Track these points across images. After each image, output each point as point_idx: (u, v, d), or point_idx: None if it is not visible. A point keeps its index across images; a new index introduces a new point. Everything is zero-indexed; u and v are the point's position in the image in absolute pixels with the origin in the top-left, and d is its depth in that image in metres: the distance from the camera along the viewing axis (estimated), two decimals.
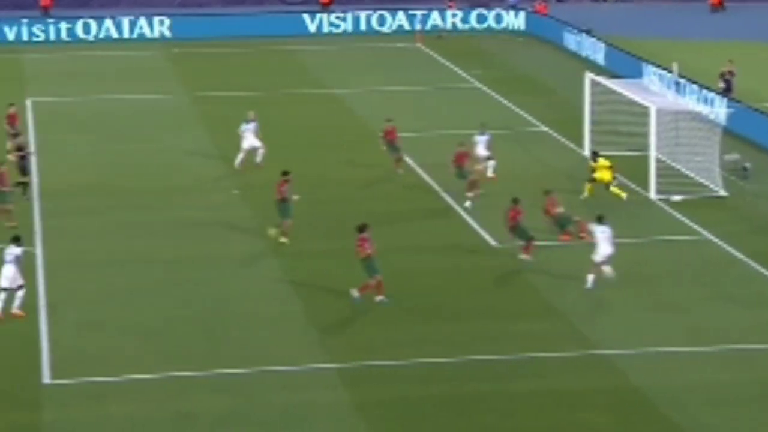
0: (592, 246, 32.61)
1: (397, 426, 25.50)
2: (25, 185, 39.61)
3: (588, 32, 63.17)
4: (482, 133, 42.02)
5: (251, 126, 42.74)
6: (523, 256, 34.12)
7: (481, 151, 41.64)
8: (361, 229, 31.38)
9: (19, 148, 40.41)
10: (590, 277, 32.11)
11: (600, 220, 32.55)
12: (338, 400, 26.48)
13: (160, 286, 32.79)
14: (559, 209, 35.57)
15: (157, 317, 30.79)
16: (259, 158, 42.54)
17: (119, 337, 29.68)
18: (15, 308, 30.42)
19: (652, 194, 39.82)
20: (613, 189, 39.36)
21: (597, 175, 39.61)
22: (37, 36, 67.32)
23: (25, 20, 67.71)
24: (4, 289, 30.34)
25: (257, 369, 27.82)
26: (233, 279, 33.30)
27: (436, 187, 41.15)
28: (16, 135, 44.07)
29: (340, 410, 26.01)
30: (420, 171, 42.65)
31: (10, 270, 30.34)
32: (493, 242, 35.88)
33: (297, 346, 29.09)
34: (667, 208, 39.09)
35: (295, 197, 36.05)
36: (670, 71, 50.88)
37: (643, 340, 29.37)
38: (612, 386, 27.07)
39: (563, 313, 30.93)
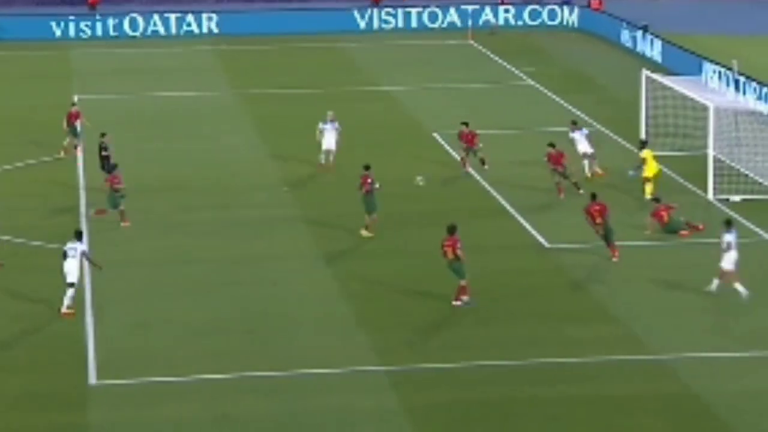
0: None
1: (444, 430, 25.44)
2: None
3: (644, 28, 62.81)
4: (574, 129, 41.79)
5: (329, 126, 42.51)
6: (615, 259, 34.03)
7: (584, 147, 41.34)
8: (452, 230, 31.07)
9: (103, 148, 40.51)
10: (715, 282, 31.40)
11: (728, 225, 32.11)
12: (385, 403, 26.46)
13: (208, 285, 32.92)
14: (670, 215, 35.77)
15: (204, 318, 30.91)
16: (330, 159, 42.26)
17: (165, 337, 29.83)
18: (63, 308, 30.68)
19: (710, 195, 39.53)
20: (649, 187, 39.14)
21: (647, 173, 39.43)
22: (84, 32, 67.85)
23: (72, 16, 68.27)
24: (70, 285, 30.55)
25: (304, 371, 27.87)
26: (281, 279, 33.37)
27: (488, 186, 41.09)
28: (75, 134, 44.46)
29: (387, 414, 25.99)
30: (472, 170, 42.58)
31: (69, 265, 30.50)
32: (546, 243, 35.77)
33: (345, 348, 29.10)
34: (726, 209, 38.78)
35: (377, 186, 36.20)
36: (730, 69, 50.48)
37: (700, 344, 29.14)
38: (669, 391, 26.88)
39: (618, 316, 30.76)
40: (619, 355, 28.58)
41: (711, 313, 30.98)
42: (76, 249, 30.71)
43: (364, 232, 35.98)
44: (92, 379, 27.64)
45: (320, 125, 42.65)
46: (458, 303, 31.02)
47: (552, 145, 39.88)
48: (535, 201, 39.31)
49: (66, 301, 30.69)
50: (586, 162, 41.44)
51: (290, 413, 26.07)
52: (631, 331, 29.89)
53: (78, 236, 31.25)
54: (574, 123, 42.63)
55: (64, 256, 30.74)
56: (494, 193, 40.40)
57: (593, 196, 34.66)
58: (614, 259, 34.13)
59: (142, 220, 37.99)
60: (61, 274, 30.76)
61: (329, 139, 42.37)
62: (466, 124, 42.50)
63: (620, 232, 35.36)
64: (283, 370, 27.92)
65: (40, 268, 33.98)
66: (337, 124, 42.61)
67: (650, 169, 39.32)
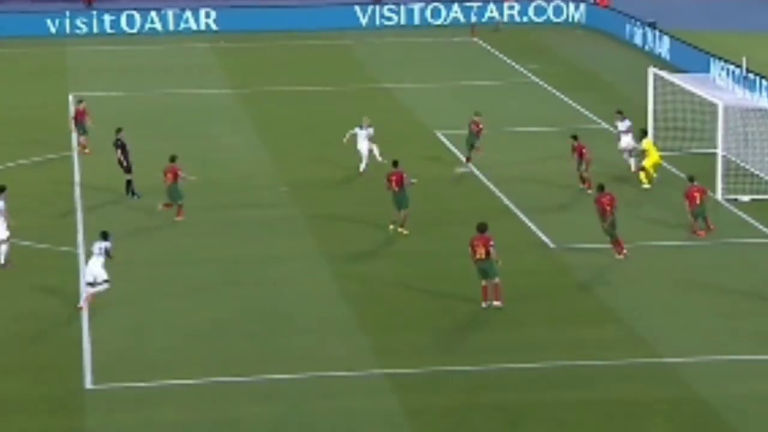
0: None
1: None
2: (128, 183, 39.95)
3: (652, 25, 62.86)
4: (619, 119, 42.02)
5: (363, 132, 42.23)
6: (620, 257, 34.17)
7: (626, 141, 41.53)
8: (483, 228, 31.05)
9: (119, 145, 40.31)
10: None
11: None
12: (387, 407, 26.51)
13: (207, 287, 32.98)
14: (703, 199, 35.76)
15: (203, 320, 30.96)
16: (362, 167, 41.96)
17: (163, 340, 29.88)
18: (81, 301, 31.12)
19: (719, 195, 39.57)
20: (643, 175, 40.15)
21: (648, 162, 40.03)
22: (80, 28, 67.92)
23: (67, 12, 68.34)
24: (89, 284, 31.02)
25: (304, 375, 27.92)
26: (281, 279, 33.44)
27: (491, 186, 41.15)
28: (84, 132, 44.48)
29: (388, 418, 26.04)
30: (474, 168, 42.65)
31: (95, 264, 30.96)
32: (551, 243, 35.82)
33: (345, 351, 29.16)
34: (734, 209, 38.84)
35: (414, 180, 36.52)
36: (740, 66, 50.51)
37: (707, 347, 29.19)
38: (674, 396, 26.92)
39: (623, 318, 30.80)
40: (625, 358, 28.62)
41: (719, 316, 31.00)
42: (101, 248, 31.16)
43: (401, 230, 36.28)
44: (89, 382, 27.67)
45: (355, 129, 42.24)
46: (498, 304, 30.99)
47: (575, 137, 40.12)
48: (540, 200, 39.36)
49: (83, 295, 31.07)
50: (626, 155, 41.58)
51: (290, 416, 26.13)
52: (637, 333, 29.93)
53: (103, 236, 31.56)
54: (620, 112, 42.68)
55: (89, 254, 31.27)
56: (498, 193, 40.46)
57: (601, 188, 34.77)
58: (620, 257, 34.17)
59: (138, 221, 38.03)
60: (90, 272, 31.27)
61: (362, 145, 42.12)
62: (478, 113, 42.41)
63: (626, 231, 35.47)
64: (284, 372, 27.98)
65: (34, 270, 34.05)
66: (370, 131, 42.32)
67: (651, 158, 39.83)
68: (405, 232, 36.40)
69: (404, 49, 64.16)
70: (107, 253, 31.19)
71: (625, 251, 34.33)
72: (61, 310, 31.40)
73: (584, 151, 39.73)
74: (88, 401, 26.85)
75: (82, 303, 31.02)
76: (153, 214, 38.34)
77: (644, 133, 41.09)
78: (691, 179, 36.75)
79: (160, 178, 37.83)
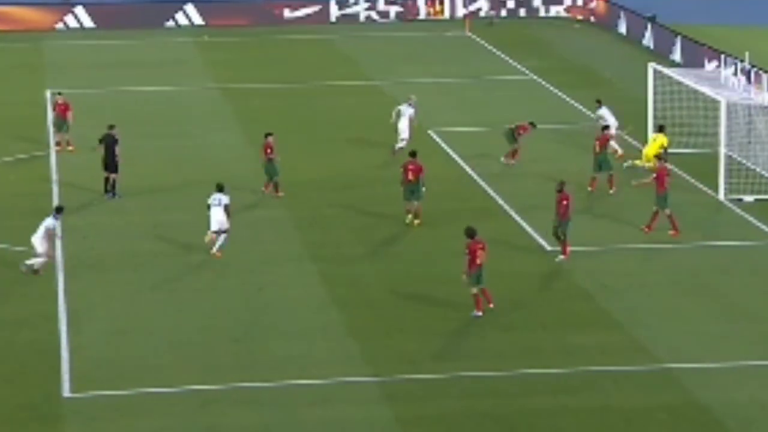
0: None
1: None
2: (109, 182, 39.80)
3: (652, 19, 62.95)
4: (600, 107, 43.34)
5: (410, 109, 42.99)
6: (562, 257, 34.24)
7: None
8: (473, 233, 31.05)
9: (110, 142, 40.12)
10: None
11: None
12: (377, 415, 26.56)
13: (190, 291, 32.97)
14: (669, 184, 36.03)
15: (186, 326, 30.96)
16: (399, 145, 42.66)
17: (145, 346, 29.87)
18: (215, 250, 34.21)
19: (722, 195, 39.65)
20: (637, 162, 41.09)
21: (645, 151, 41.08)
22: (59, 22, 67.78)
23: (45, 6, 68.21)
24: (215, 232, 34.44)
25: (292, 382, 27.95)
26: (268, 284, 33.44)
27: (486, 186, 41.19)
28: (62, 128, 44.35)
29: (379, 426, 26.08)
30: (468, 168, 42.67)
31: (216, 215, 34.28)
32: (546, 246, 35.86)
33: (334, 357, 29.18)
34: (738, 209, 38.91)
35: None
36: (742, 61, 50.56)
37: (709, 352, 29.26)
38: (675, 402, 26.99)
39: (622, 323, 30.86)
40: (624, 363, 28.68)
41: (721, 320, 31.09)
42: (219, 200, 34.43)
43: (413, 221, 36.86)
44: (67, 390, 27.66)
45: (401, 106, 43.10)
46: (491, 305, 31.09)
47: (607, 127, 40.47)
48: (536, 201, 39.37)
49: (218, 243, 34.29)
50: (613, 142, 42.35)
51: (278, 425, 26.16)
52: (635, 338, 29.99)
53: (220, 188, 34.66)
54: (598, 101, 43.40)
55: (209, 207, 34.41)
56: (492, 193, 40.49)
57: (561, 185, 34.68)
58: (564, 257, 34.25)
59: (120, 221, 38.02)
60: (208, 223, 34.31)
61: (403, 123, 42.84)
62: (533, 124, 42.94)
63: (626, 233, 35.47)
64: (271, 380, 27.99)
65: (10, 273, 33.99)
66: (414, 109, 43.03)
67: (649, 150, 40.81)
68: (417, 221, 36.75)
69: (396, 44, 64.08)
70: (226, 208, 33.92)
71: (567, 254, 34.30)
72: (39, 315, 31.36)
73: (606, 142, 39.93)
74: (67, 409, 26.84)
75: (215, 250, 34.16)
76: (132, 217, 38.34)
77: (661, 128, 41.60)
78: (662, 159, 36.86)
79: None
